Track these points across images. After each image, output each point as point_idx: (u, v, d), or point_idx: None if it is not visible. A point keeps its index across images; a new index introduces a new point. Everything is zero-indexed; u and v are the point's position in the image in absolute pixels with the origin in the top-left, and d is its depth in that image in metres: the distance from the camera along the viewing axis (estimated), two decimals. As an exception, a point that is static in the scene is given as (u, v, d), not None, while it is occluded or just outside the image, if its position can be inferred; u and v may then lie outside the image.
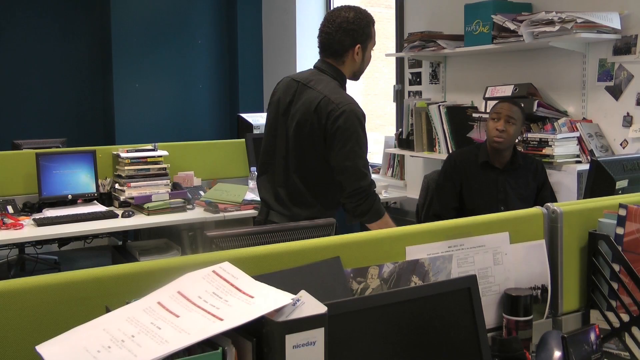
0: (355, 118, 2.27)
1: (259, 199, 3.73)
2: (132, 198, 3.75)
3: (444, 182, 3.03)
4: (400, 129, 4.38)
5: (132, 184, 3.78)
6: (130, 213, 3.61)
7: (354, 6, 2.39)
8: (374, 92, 5.79)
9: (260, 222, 2.49)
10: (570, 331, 1.47)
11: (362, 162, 2.29)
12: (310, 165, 2.34)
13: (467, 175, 2.98)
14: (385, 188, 4.31)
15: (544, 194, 2.96)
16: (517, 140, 3.05)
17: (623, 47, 3.18)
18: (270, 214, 2.45)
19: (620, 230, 1.60)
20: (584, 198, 2.23)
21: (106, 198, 3.86)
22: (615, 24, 3.12)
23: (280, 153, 2.40)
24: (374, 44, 2.42)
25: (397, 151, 4.41)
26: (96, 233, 3.60)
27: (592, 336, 1.47)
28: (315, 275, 1.31)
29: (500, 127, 2.90)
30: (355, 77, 2.45)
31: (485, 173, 2.97)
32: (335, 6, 5.86)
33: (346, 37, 2.32)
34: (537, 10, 3.50)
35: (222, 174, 4.32)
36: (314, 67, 2.43)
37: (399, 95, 4.80)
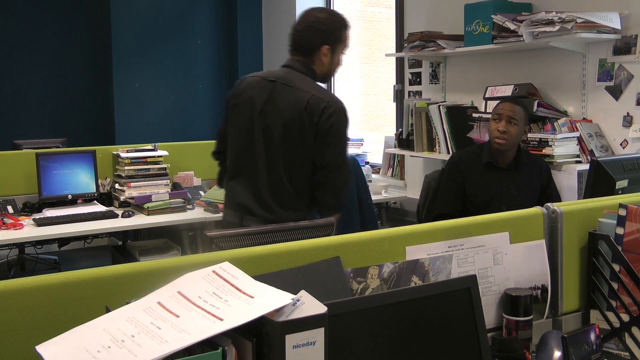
0: (345, 116, 2.32)
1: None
2: (132, 198, 3.75)
3: (447, 183, 3.02)
4: (400, 129, 4.38)
5: (132, 184, 3.78)
6: (130, 213, 3.61)
7: (330, 9, 2.41)
8: (374, 92, 5.79)
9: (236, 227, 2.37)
10: (570, 331, 1.47)
11: (347, 160, 2.35)
12: (298, 165, 2.32)
13: (471, 175, 2.97)
14: (385, 188, 4.31)
15: (548, 193, 2.96)
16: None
17: (623, 47, 3.18)
18: (245, 219, 2.32)
19: (620, 230, 1.60)
20: (584, 198, 2.23)
21: (106, 198, 3.86)
22: (615, 24, 3.12)
23: (261, 154, 2.31)
24: (346, 48, 2.41)
25: (397, 151, 4.41)
26: (96, 233, 3.60)
27: (592, 336, 1.47)
28: (315, 275, 1.31)
29: (501, 128, 2.88)
30: (324, 79, 2.43)
31: (489, 173, 2.95)
32: (335, 7, 5.88)
33: (315, 36, 2.32)
34: (537, 10, 3.50)
35: (222, 174, 4.31)
36: (287, 66, 2.37)
37: (399, 95, 4.80)
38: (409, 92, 4.63)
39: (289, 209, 2.33)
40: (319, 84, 2.39)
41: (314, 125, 2.26)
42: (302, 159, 2.30)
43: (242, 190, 2.35)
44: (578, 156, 3.24)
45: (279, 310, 0.95)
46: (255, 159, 2.33)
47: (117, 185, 3.86)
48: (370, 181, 4.29)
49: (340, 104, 2.32)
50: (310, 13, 2.37)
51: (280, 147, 2.29)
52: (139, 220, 3.55)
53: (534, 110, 3.29)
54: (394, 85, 4.86)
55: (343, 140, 2.31)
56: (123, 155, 3.86)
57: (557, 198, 2.98)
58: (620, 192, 2.13)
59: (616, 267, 1.59)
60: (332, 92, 5.97)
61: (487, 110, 3.54)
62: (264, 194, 2.32)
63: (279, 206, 2.32)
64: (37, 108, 5.83)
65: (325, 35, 2.33)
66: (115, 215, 3.55)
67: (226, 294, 1.00)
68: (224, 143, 2.46)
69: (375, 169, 5.02)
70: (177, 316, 0.95)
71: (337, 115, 2.28)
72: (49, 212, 3.52)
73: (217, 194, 3.72)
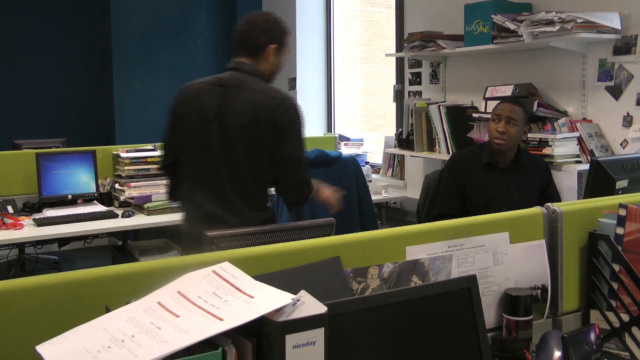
0: (299, 113, 2.33)
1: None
2: (132, 198, 3.75)
3: (447, 183, 3.01)
4: (400, 129, 4.38)
5: (132, 184, 3.78)
6: (130, 213, 3.61)
7: (276, 15, 2.47)
8: (374, 92, 5.79)
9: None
10: (570, 331, 1.47)
11: (305, 155, 2.37)
12: (262, 165, 2.31)
13: (471, 175, 2.97)
14: (385, 188, 4.31)
15: (548, 193, 2.95)
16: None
17: (623, 47, 3.18)
18: (215, 228, 2.18)
19: (620, 230, 1.60)
20: (584, 198, 2.23)
21: (106, 198, 3.86)
22: (615, 24, 3.12)
23: (222, 160, 2.28)
24: (289, 52, 2.45)
25: (397, 151, 4.41)
26: (96, 233, 3.60)
27: (592, 336, 1.47)
28: (315, 275, 1.31)
29: (500, 129, 2.88)
30: (270, 79, 2.43)
31: (489, 173, 2.95)
32: (335, 6, 5.88)
33: (262, 35, 2.34)
34: (537, 10, 3.50)
35: (222, 174, 4.31)
36: (234, 69, 2.37)
37: (399, 95, 4.80)
38: (409, 92, 4.63)
39: (258, 210, 2.34)
40: (268, 84, 2.41)
41: (271, 123, 2.26)
42: (264, 158, 2.30)
43: (206, 199, 2.31)
44: (578, 156, 3.24)
45: (279, 310, 0.95)
46: (216, 165, 2.29)
47: (117, 185, 3.86)
48: (370, 181, 4.30)
49: (293, 101, 2.36)
50: (255, 14, 2.44)
51: (241, 150, 2.27)
52: (139, 220, 3.55)
53: (534, 110, 3.29)
54: (394, 85, 4.86)
55: (299, 135, 2.32)
56: (123, 155, 3.86)
57: (557, 198, 2.98)
58: (620, 192, 2.13)
59: (616, 267, 1.59)
60: (332, 91, 5.97)
61: (487, 110, 3.54)
62: (232, 199, 2.29)
63: (248, 207, 2.31)
64: (37, 108, 5.83)
65: (272, 35, 2.36)
66: (115, 215, 3.55)
67: (226, 294, 1.00)
68: (174, 154, 2.40)
69: (375, 169, 5.02)
70: (177, 316, 0.95)
71: (291, 112, 2.30)
72: (49, 212, 3.52)
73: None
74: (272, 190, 2.42)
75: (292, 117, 2.29)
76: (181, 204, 2.45)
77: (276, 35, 2.37)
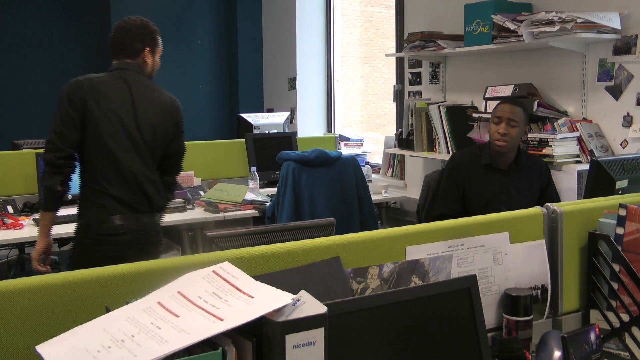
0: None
1: (259, 199, 3.77)
2: (132, 198, 3.74)
3: (447, 184, 3.01)
4: (400, 129, 4.38)
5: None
6: (130, 213, 3.60)
7: (141, 17, 2.66)
8: (374, 92, 5.80)
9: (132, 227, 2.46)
10: (570, 331, 1.47)
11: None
12: (159, 159, 2.59)
13: (470, 176, 2.96)
14: (385, 188, 4.31)
15: (548, 194, 2.95)
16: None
17: (623, 47, 3.18)
18: (134, 218, 2.45)
19: (620, 230, 1.60)
20: (584, 198, 2.23)
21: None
22: (615, 24, 3.12)
23: (137, 152, 2.47)
24: (161, 52, 2.65)
25: (397, 151, 4.41)
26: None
27: (592, 336, 1.47)
28: (315, 275, 1.31)
29: (502, 131, 2.87)
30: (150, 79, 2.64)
31: (489, 174, 2.95)
32: (335, 7, 5.88)
33: (136, 40, 2.54)
34: (537, 10, 3.50)
35: (222, 174, 4.32)
36: (123, 69, 2.51)
37: (399, 95, 4.80)
38: (409, 92, 4.63)
39: (162, 200, 2.58)
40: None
41: (174, 121, 2.58)
42: (161, 155, 2.57)
43: (135, 189, 2.45)
44: (578, 156, 3.24)
45: (279, 310, 0.95)
46: (139, 157, 2.47)
47: (117, 185, 3.85)
48: (370, 181, 4.29)
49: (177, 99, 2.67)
50: (127, 20, 2.60)
51: (151, 144, 2.50)
52: (139, 220, 3.54)
53: (534, 110, 3.29)
54: (394, 85, 4.86)
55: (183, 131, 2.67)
56: (123, 155, 3.85)
57: (557, 200, 2.97)
58: (620, 192, 2.13)
59: (616, 267, 1.59)
60: (332, 91, 5.98)
61: (487, 110, 3.54)
62: (151, 192, 2.49)
63: (157, 198, 2.53)
64: (37, 108, 5.83)
65: (144, 38, 2.56)
66: (115, 215, 3.55)
67: (226, 294, 1.00)
68: (74, 146, 2.43)
69: (375, 169, 5.02)
70: (177, 316, 0.95)
71: (180, 109, 2.64)
72: (49, 212, 3.51)
73: (217, 194, 3.72)
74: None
75: (182, 115, 2.64)
76: (87, 194, 2.50)
77: (147, 39, 2.57)
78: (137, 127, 2.46)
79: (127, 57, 2.53)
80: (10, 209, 3.51)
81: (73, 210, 3.56)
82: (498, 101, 3.19)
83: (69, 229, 3.31)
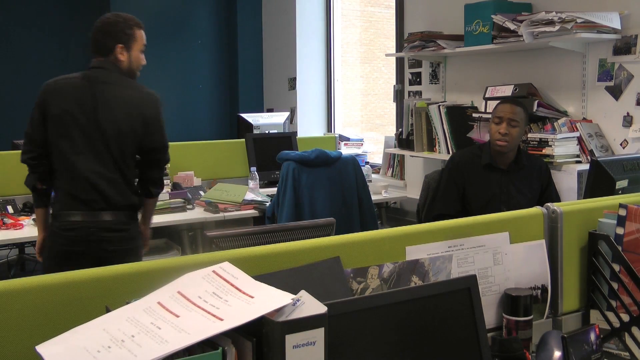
0: (160, 103, 2.63)
1: (259, 199, 3.77)
2: (132, 198, 3.74)
3: (447, 184, 3.01)
4: (400, 129, 4.38)
5: (132, 184, 3.77)
6: (130, 213, 3.60)
7: (119, 13, 2.64)
8: (374, 92, 5.79)
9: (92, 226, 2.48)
10: (570, 331, 1.47)
11: (167, 139, 2.66)
12: (129, 158, 2.56)
13: (470, 176, 2.96)
14: (385, 188, 4.31)
15: (548, 194, 2.95)
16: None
17: (623, 47, 3.18)
18: (97, 215, 2.47)
19: (620, 230, 1.60)
20: (584, 198, 2.23)
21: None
22: (615, 24, 3.12)
23: (100, 152, 2.48)
24: (141, 45, 2.62)
25: (397, 151, 4.41)
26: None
27: (592, 336, 1.47)
28: (315, 275, 1.31)
29: (502, 131, 2.86)
30: (131, 75, 2.63)
31: (489, 174, 2.95)
32: (335, 6, 5.88)
33: (107, 38, 2.54)
34: (537, 10, 3.50)
35: (222, 174, 4.31)
36: (97, 67, 2.54)
37: (399, 95, 4.80)
38: (409, 92, 4.63)
39: (123, 197, 2.53)
40: (132, 80, 2.65)
41: (143, 117, 2.53)
42: (131, 152, 2.55)
43: (87, 188, 2.46)
44: (578, 156, 3.24)
45: (279, 310, 0.95)
46: (95, 156, 2.48)
47: (117, 185, 3.85)
48: (370, 181, 4.29)
49: (155, 93, 2.64)
50: (101, 17, 2.60)
51: (114, 142, 2.48)
52: (139, 221, 3.54)
53: (534, 110, 3.29)
54: (394, 85, 4.86)
55: (163, 124, 2.62)
56: (123, 155, 3.85)
57: (557, 199, 2.97)
58: (620, 192, 2.13)
59: (616, 267, 1.59)
60: (332, 91, 5.98)
61: (487, 110, 3.54)
62: (108, 190, 2.48)
63: (114, 195, 2.50)
64: (37, 108, 5.82)
65: (115, 35, 2.54)
66: (115, 215, 3.55)
67: (226, 294, 1.00)
68: (43, 145, 2.52)
69: (375, 169, 5.02)
70: (177, 316, 0.95)
71: (157, 103, 2.60)
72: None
73: (217, 194, 3.72)
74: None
75: (157, 109, 2.59)
76: (54, 189, 2.57)
77: (119, 35, 2.55)
78: (97, 125, 2.46)
79: (100, 56, 2.55)
80: (10, 209, 3.51)
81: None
82: (498, 101, 3.19)
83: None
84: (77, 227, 2.45)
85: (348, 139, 5.27)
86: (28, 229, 3.29)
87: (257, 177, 4.09)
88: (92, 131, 2.46)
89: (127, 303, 1.00)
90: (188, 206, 3.70)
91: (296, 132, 5.53)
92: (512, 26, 3.33)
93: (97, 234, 2.46)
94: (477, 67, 4.02)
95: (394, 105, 4.92)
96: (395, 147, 4.46)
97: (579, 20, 3.04)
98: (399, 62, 4.81)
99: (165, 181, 3.82)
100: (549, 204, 1.69)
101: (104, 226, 2.47)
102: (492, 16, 3.46)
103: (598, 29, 3.11)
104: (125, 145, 2.51)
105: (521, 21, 3.29)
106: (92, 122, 2.46)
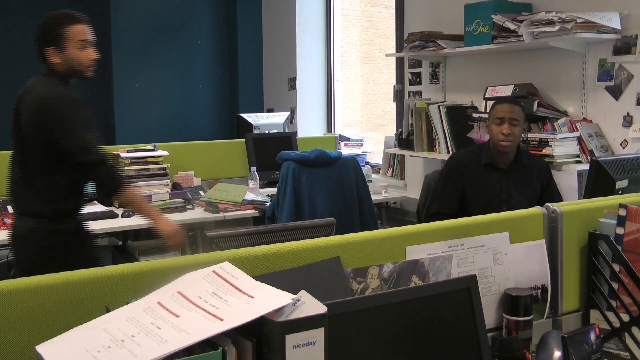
0: (65, 104, 2.41)
1: (259, 199, 3.77)
2: (132, 198, 3.74)
3: (446, 183, 3.01)
4: (400, 129, 4.38)
5: (132, 184, 3.77)
6: (130, 213, 3.61)
7: (49, 12, 2.50)
8: (374, 92, 5.79)
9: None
10: (570, 331, 1.47)
11: (87, 138, 2.43)
12: (39, 166, 2.46)
13: (470, 176, 2.96)
14: (385, 188, 4.31)
15: (549, 193, 2.94)
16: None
17: (623, 47, 3.18)
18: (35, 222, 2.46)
19: (620, 230, 1.60)
20: (584, 198, 2.23)
21: (106, 198, 3.86)
22: (615, 24, 3.12)
23: (15, 156, 2.48)
24: (77, 40, 2.44)
25: (397, 151, 4.41)
26: (96, 233, 3.59)
27: (592, 336, 1.47)
28: (315, 275, 1.31)
29: (505, 131, 2.85)
30: (77, 75, 2.52)
31: (489, 174, 2.94)
32: (335, 6, 5.88)
33: (37, 42, 2.45)
34: (537, 10, 3.50)
35: (222, 174, 4.32)
36: (38, 75, 2.52)
37: (399, 95, 4.80)
38: (409, 92, 4.63)
39: (27, 204, 2.48)
40: (49, 82, 2.47)
41: (40, 122, 2.37)
42: (46, 155, 2.41)
43: (24, 195, 2.47)
44: (578, 156, 3.24)
45: (279, 310, 0.95)
46: (11, 163, 2.49)
47: (117, 185, 3.85)
48: (370, 181, 4.30)
49: (62, 95, 2.42)
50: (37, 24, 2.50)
51: (24, 148, 2.43)
52: (139, 220, 3.53)
53: (534, 110, 3.29)
54: (394, 85, 4.86)
55: (73, 125, 2.40)
56: (123, 155, 3.86)
57: (558, 199, 2.97)
58: (620, 192, 2.13)
59: (616, 267, 1.59)
60: (332, 91, 5.97)
61: (487, 110, 3.53)
62: (13, 194, 2.49)
63: (21, 201, 2.48)
64: (37, 108, 5.82)
65: (42, 39, 2.44)
66: (115, 215, 3.55)
67: (226, 294, 1.00)
68: None
69: (375, 169, 5.02)
70: (177, 316, 0.95)
71: (47, 108, 2.38)
72: (49, 212, 3.51)
73: (217, 194, 3.72)
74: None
75: (59, 111, 2.38)
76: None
77: (46, 38, 2.43)
78: (17, 133, 2.46)
79: (41, 61, 2.49)
80: (10, 209, 3.51)
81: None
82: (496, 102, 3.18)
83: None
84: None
85: (348, 139, 5.27)
86: (28, 229, 3.28)
87: (257, 177, 4.09)
88: (15, 138, 2.47)
89: (127, 303, 1.00)
90: (188, 206, 3.70)
91: (296, 132, 5.53)
92: (512, 26, 3.33)
93: (12, 241, 2.54)
94: (477, 67, 4.02)
95: (394, 105, 4.91)
96: (395, 147, 4.46)
97: (579, 20, 3.04)
98: (399, 62, 4.81)
99: (165, 181, 3.88)
100: (549, 204, 1.69)
101: (16, 233, 2.50)
102: (492, 16, 3.46)
103: (598, 29, 3.12)
104: (33, 150, 2.43)
105: (521, 21, 3.29)
106: (14, 130, 2.47)
